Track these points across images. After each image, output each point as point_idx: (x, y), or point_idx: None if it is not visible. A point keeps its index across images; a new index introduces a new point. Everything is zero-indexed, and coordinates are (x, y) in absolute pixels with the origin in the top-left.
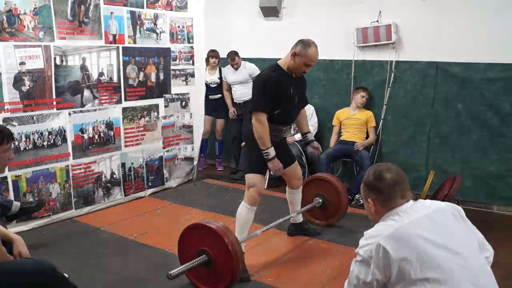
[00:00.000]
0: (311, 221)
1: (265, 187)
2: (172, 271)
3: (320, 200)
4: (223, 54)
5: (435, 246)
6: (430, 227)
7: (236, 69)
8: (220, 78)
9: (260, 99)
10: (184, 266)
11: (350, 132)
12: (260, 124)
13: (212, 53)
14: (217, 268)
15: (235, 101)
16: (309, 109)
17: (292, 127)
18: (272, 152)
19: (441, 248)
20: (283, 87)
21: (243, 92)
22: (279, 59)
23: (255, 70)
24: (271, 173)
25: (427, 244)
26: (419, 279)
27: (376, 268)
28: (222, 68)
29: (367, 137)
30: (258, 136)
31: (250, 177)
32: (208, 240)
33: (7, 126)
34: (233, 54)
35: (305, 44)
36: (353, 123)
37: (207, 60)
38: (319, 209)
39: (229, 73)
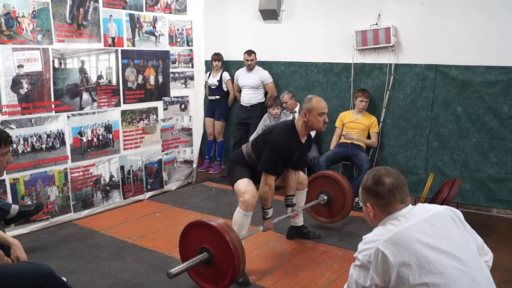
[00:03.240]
0: (316, 218)
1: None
2: (173, 270)
3: (325, 197)
4: None
5: (434, 251)
6: (429, 232)
7: (250, 69)
8: (220, 80)
9: (272, 164)
10: (184, 264)
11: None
12: (268, 187)
13: (216, 57)
14: (218, 266)
15: (242, 103)
16: None
17: None
18: (270, 213)
19: (441, 253)
20: (291, 152)
21: (252, 97)
22: (278, 62)
23: (267, 78)
24: (261, 229)
25: (426, 249)
26: (418, 284)
27: (375, 273)
28: (225, 72)
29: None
30: (264, 196)
31: (240, 184)
32: (209, 238)
33: (5, 129)
34: (250, 52)
35: (307, 99)
36: (356, 127)
37: (210, 63)
38: (324, 207)
39: (241, 75)
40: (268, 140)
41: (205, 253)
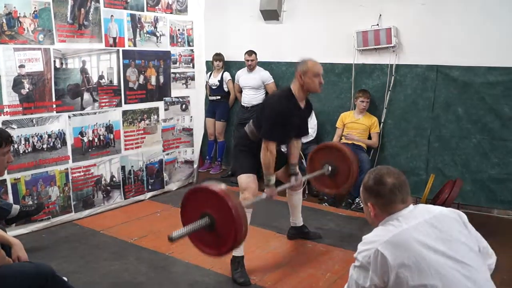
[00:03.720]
0: (321, 189)
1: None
2: (174, 234)
3: (330, 168)
4: None
5: (434, 252)
6: (430, 233)
7: (251, 69)
8: (221, 80)
9: (272, 129)
10: (185, 228)
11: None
12: (269, 153)
13: (217, 57)
14: (220, 231)
15: (242, 104)
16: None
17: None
18: (273, 179)
19: (441, 255)
20: (291, 116)
21: (252, 97)
22: (279, 62)
23: (268, 78)
24: (264, 197)
25: (426, 250)
26: (417, 285)
27: (374, 274)
28: (226, 72)
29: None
30: (265, 163)
31: (243, 179)
32: (210, 203)
33: (6, 129)
34: (251, 52)
35: (302, 62)
36: (357, 127)
37: (211, 63)
38: (329, 178)
39: (242, 75)
40: (266, 108)
41: (206, 217)
